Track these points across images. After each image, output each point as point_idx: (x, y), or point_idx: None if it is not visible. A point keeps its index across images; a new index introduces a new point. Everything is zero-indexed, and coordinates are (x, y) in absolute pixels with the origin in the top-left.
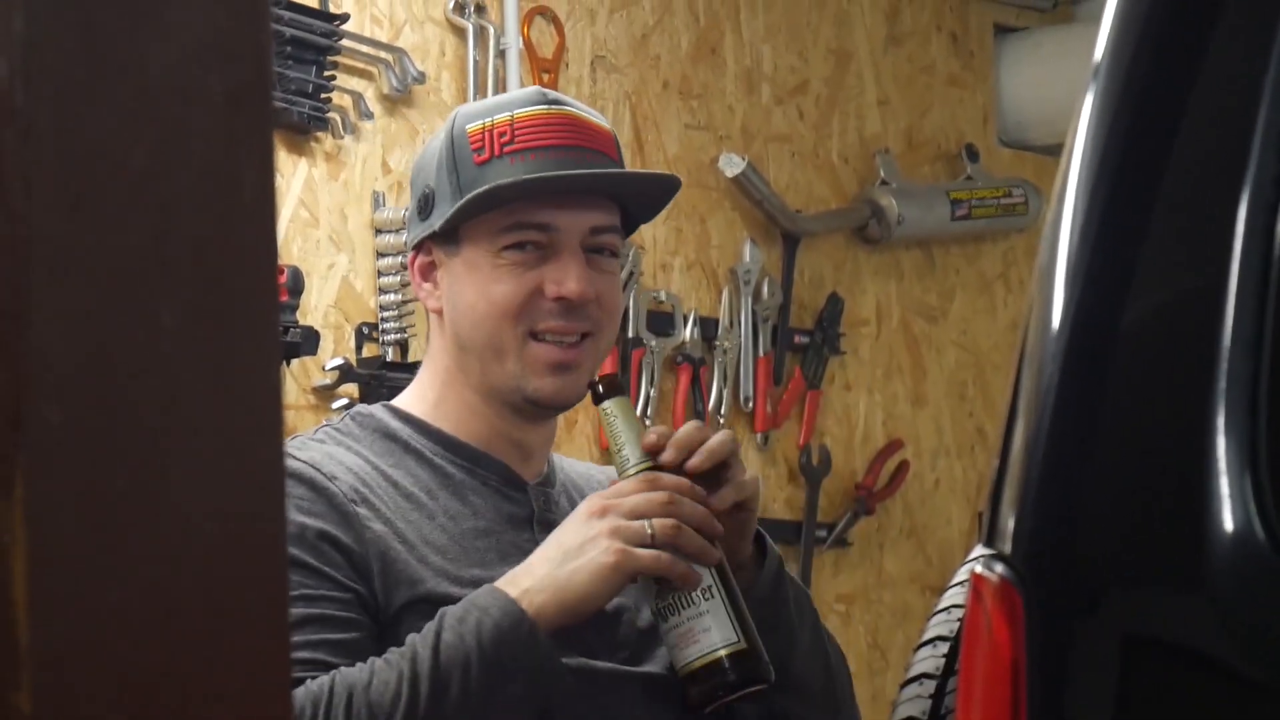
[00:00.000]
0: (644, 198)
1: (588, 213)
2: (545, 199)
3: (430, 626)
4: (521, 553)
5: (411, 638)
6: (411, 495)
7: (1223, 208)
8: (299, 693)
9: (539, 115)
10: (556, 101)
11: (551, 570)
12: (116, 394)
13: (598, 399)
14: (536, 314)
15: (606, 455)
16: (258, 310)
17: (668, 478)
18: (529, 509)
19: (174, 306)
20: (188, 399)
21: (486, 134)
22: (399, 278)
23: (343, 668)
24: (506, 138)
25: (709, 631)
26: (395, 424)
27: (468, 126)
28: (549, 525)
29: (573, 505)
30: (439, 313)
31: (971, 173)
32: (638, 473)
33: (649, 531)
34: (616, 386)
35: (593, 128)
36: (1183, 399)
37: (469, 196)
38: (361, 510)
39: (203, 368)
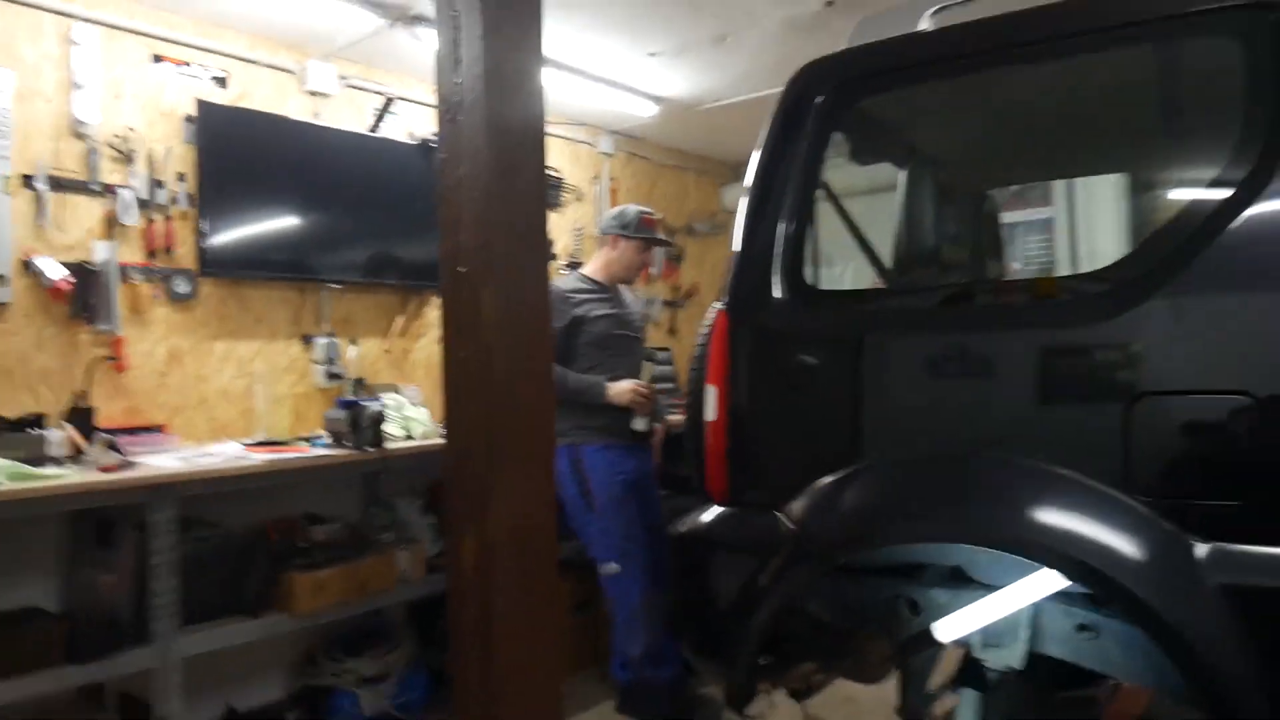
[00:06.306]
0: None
1: (657, 248)
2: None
3: (575, 374)
4: (613, 312)
5: (572, 375)
6: (585, 295)
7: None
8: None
9: (651, 217)
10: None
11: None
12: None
13: None
14: (642, 265)
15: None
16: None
17: None
18: (615, 295)
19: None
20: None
21: (641, 217)
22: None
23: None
24: (648, 219)
25: None
26: (580, 275)
27: (641, 214)
28: (618, 304)
29: (625, 298)
30: (614, 246)
31: None
32: None
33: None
34: None
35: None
36: None
37: (639, 233)
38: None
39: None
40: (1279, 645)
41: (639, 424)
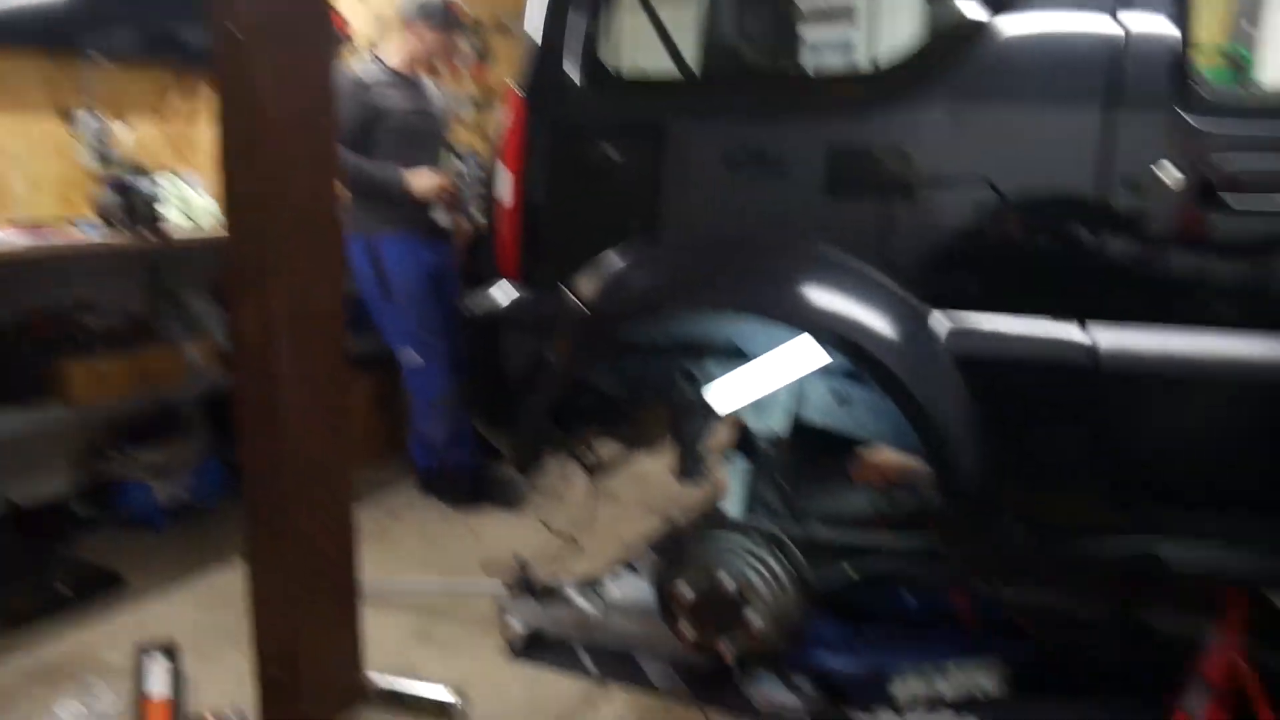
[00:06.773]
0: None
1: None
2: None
3: (373, 164)
4: (413, 104)
5: (369, 164)
6: (385, 85)
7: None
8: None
9: (456, 3)
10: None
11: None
12: None
13: None
14: (445, 54)
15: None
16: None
17: None
18: (417, 86)
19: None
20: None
21: (445, 3)
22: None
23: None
24: (452, 5)
25: None
26: (380, 64)
27: (445, 1)
28: (420, 95)
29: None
30: (415, 34)
31: None
32: None
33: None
34: None
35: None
36: None
37: (443, 20)
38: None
39: None
40: (989, 407)
41: (439, 217)
